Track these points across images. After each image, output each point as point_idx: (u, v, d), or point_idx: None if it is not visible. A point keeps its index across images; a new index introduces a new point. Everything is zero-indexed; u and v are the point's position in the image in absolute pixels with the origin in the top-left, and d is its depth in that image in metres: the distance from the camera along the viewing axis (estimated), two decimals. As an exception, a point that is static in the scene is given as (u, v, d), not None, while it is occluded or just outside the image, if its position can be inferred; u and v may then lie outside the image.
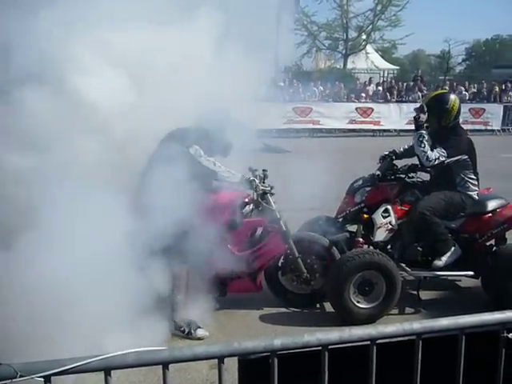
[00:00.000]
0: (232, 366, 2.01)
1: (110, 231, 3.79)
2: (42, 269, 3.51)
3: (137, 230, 3.96)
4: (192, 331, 4.52)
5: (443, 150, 5.06)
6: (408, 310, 5.20)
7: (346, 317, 4.81)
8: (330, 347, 1.91)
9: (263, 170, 4.99)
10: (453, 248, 5.17)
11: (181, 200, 4.01)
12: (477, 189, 5.28)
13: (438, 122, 5.28)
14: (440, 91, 5.99)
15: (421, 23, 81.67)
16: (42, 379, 1.67)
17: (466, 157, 5.19)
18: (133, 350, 1.77)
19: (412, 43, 50.16)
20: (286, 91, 19.20)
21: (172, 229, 4.05)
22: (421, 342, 2.00)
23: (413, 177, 5.48)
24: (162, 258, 4.23)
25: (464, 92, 23.43)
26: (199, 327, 4.55)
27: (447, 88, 24.14)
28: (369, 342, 1.96)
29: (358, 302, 4.86)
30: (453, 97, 5.37)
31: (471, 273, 5.22)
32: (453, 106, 5.23)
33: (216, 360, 1.87)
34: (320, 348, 1.91)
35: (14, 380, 1.61)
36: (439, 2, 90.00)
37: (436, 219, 5.07)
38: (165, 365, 1.81)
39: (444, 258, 5.13)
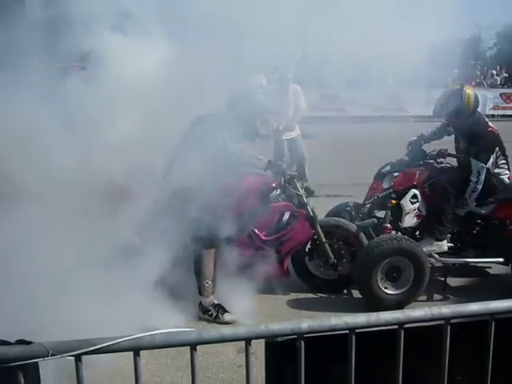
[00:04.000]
0: (259, 350, 2.03)
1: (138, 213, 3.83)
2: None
3: (163, 213, 3.99)
4: (220, 315, 4.55)
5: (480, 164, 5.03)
6: (436, 296, 5.16)
7: (374, 303, 4.78)
8: (357, 331, 1.91)
9: (290, 156, 4.99)
10: (445, 241, 5.12)
11: (208, 185, 4.03)
12: (508, 172, 5.20)
13: (457, 118, 5.24)
14: (452, 87, 5.34)
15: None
16: (73, 358, 1.70)
17: (497, 149, 5.14)
18: (161, 331, 1.79)
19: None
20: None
21: (200, 213, 4.08)
22: (449, 327, 1.98)
23: (442, 162, 5.40)
24: (190, 242, 4.27)
25: (495, 77, 23.00)
26: (227, 311, 4.58)
27: (478, 73, 23.77)
28: (396, 327, 1.95)
29: (385, 288, 4.83)
30: (467, 92, 5.13)
31: (501, 259, 5.15)
32: (467, 101, 5.11)
33: (243, 344, 1.88)
34: (347, 332, 1.91)
35: (45, 358, 1.64)
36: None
37: (451, 199, 5.05)
38: (192, 346, 1.82)
39: (434, 247, 5.10)
